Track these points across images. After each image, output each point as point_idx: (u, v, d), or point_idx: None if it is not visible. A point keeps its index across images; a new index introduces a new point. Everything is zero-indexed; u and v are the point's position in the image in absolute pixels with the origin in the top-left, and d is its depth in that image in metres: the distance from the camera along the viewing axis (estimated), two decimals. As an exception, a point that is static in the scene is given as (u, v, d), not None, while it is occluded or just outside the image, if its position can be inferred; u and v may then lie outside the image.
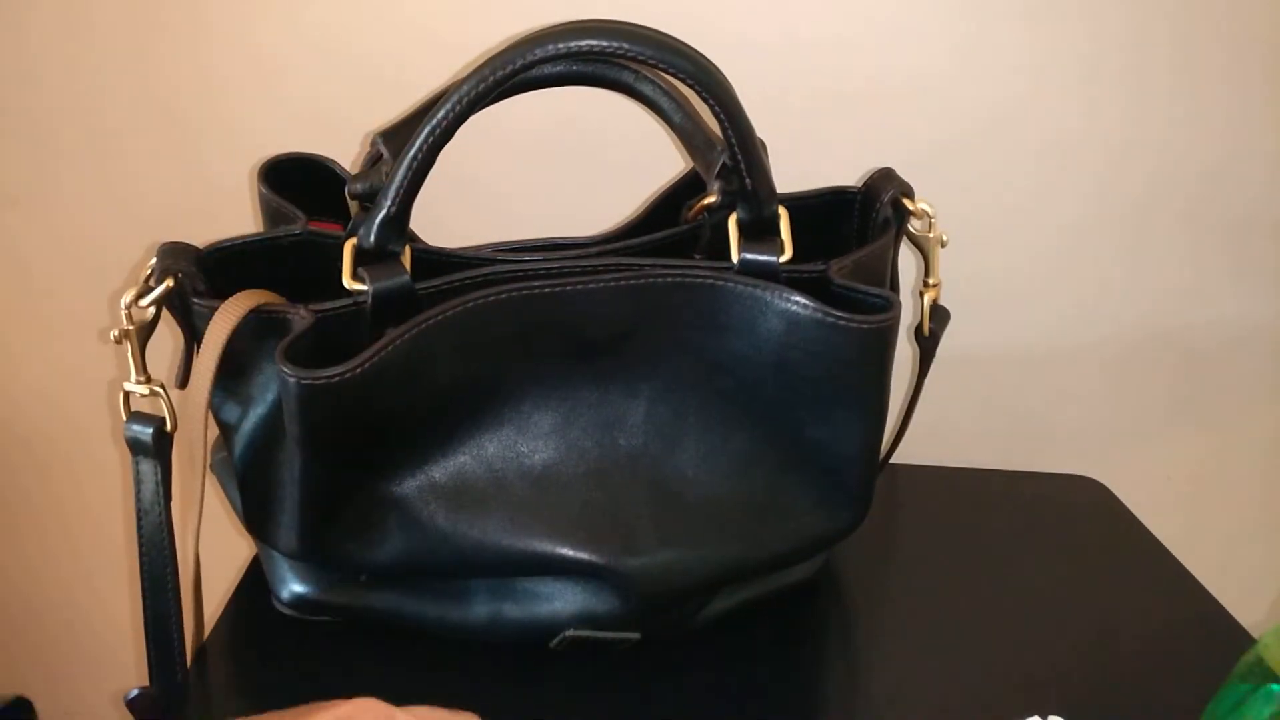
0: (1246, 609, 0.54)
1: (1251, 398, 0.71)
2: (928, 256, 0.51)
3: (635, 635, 0.46)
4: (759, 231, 0.43)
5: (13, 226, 0.69)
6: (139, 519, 0.41)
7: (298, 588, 0.46)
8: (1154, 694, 0.46)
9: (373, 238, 0.41)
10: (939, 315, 0.53)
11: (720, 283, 0.42)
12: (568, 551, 0.43)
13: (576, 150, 0.65)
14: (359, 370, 0.38)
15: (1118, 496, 0.65)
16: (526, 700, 0.45)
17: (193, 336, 0.42)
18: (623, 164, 0.64)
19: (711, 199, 0.48)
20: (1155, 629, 0.51)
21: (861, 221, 0.52)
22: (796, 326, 0.42)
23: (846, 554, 0.56)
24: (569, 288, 0.42)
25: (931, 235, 0.50)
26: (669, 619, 0.47)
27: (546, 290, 0.42)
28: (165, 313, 0.42)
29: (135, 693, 0.41)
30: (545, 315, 0.42)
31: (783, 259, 0.43)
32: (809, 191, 0.52)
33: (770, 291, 0.42)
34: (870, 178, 0.51)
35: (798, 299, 0.41)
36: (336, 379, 0.38)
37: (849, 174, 0.54)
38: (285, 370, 0.37)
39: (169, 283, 0.41)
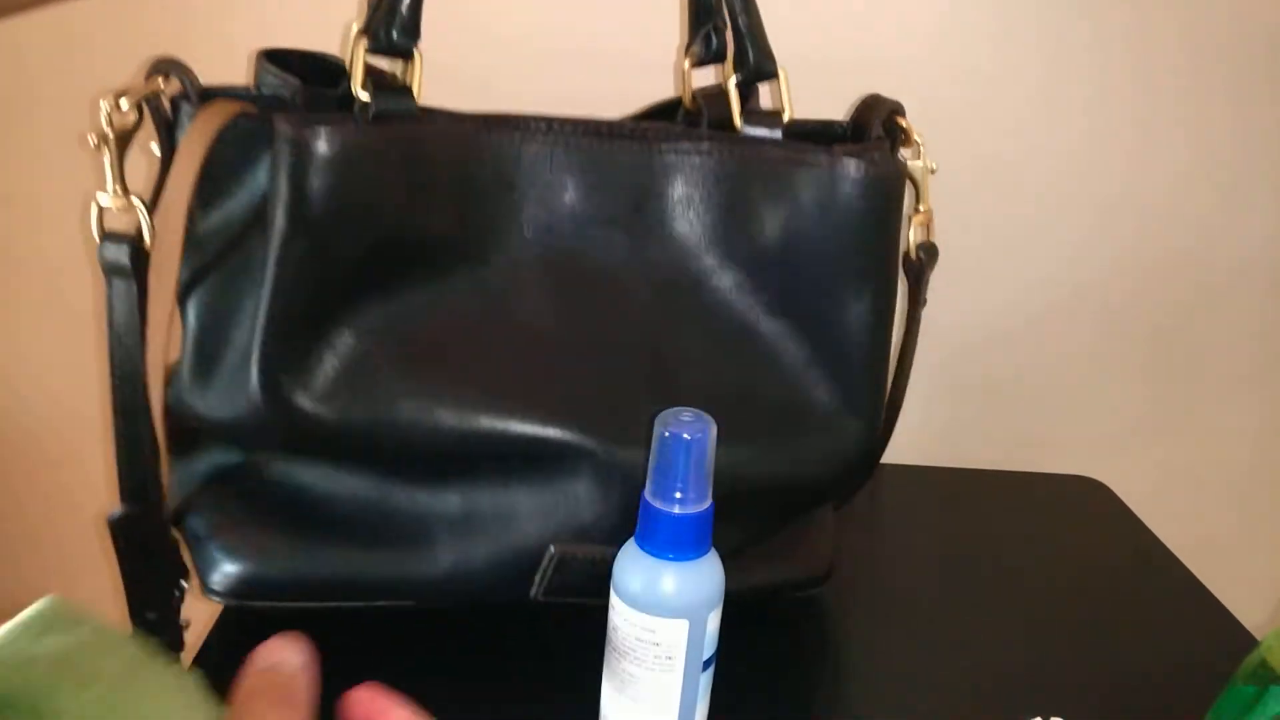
0: (1249, 610, 0.53)
1: (1253, 398, 0.71)
2: (917, 184, 0.49)
3: (611, 550, 0.40)
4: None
5: (8, 223, 0.69)
6: (111, 345, 0.38)
7: (230, 567, 0.41)
8: (1156, 695, 0.45)
9: (383, 29, 0.38)
10: (928, 249, 0.51)
11: (719, 148, 0.41)
12: (552, 432, 0.38)
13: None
14: (359, 138, 0.36)
15: (1119, 497, 0.65)
16: (516, 695, 0.44)
17: (171, 154, 0.38)
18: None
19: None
20: (1157, 630, 0.51)
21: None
22: (803, 184, 0.40)
23: (846, 554, 0.56)
24: (587, 143, 0.40)
25: (921, 163, 0.48)
26: None
27: (569, 138, 0.40)
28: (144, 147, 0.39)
29: (117, 513, 0.39)
30: (562, 166, 0.40)
31: (786, 119, 0.43)
32: (791, 123, 0.48)
33: (775, 149, 0.41)
34: (856, 107, 0.49)
35: (805, 151, 0.40)
36: (338, 145, 0.36)
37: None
38: (283, 128, 0.35)
39: (159, 80, 0.38)
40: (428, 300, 0.39)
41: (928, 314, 0.53)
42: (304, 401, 0.38)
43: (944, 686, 0.46)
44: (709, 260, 0.42)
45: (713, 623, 0.36)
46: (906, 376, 0.50)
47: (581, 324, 0.40)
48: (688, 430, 0.33)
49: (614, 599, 0.36)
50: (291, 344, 0.38)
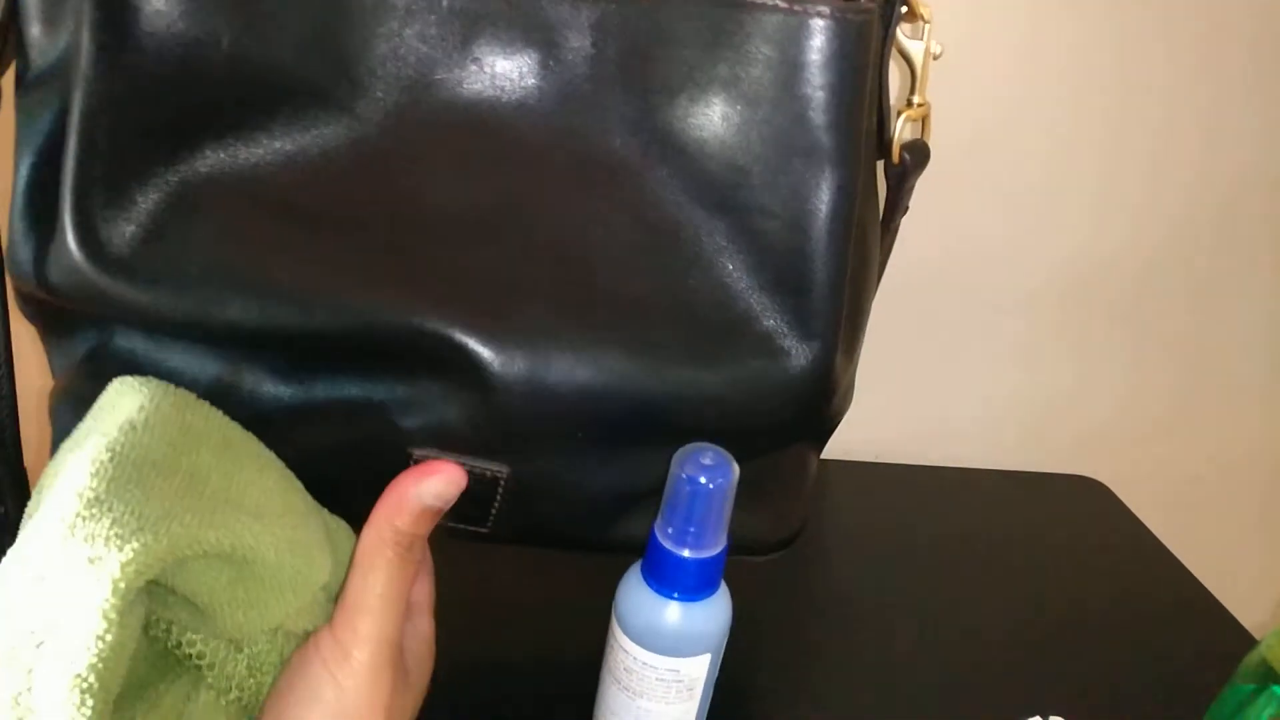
0: (1249, 610, 0.53)
1: (1253, 397, 0.71)
2: (915, 69, 0.41)
3: (502, 469, 0.35)
4: None
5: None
6: None
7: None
8: (1156, 695, 0.45)
9: None
10: (917, 148, 0.43)
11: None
12: (427, 326, 0.32)
13: None
14: None
15: (1119, 497, 0.65)
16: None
17: None
18: None
19: None
20: (1157, 630, 0.51)
21: None
22: (753, 39, 0.33)
23: (846, 554, 0.56)
24: None
25: (923, 44, 0.40)
26: (548, 471, 0.36)
27: None
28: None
29: None
30: (446, 13, 0.32)
31: None
32: None
33: None
34: None
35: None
36: None
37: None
38: None
39: None
40: (279, 153, 0.33)
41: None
42: (119, 250, 0.31)
43: (943, 686, 0.46)
44: (638, 136, 0.34)
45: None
46: (871, 296, 0.43)
47: (473, 199, 0.33)
48: (706, 475, 0.31)
49: (628, 644, 0.34)
50: (109, 189, 0.31)
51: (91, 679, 0.24)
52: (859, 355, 0.43)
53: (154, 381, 0.31)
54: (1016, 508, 0.63)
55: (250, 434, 0.32)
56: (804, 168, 0.34)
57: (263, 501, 0.30)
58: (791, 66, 0.34)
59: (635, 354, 0.33)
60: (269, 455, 0.32)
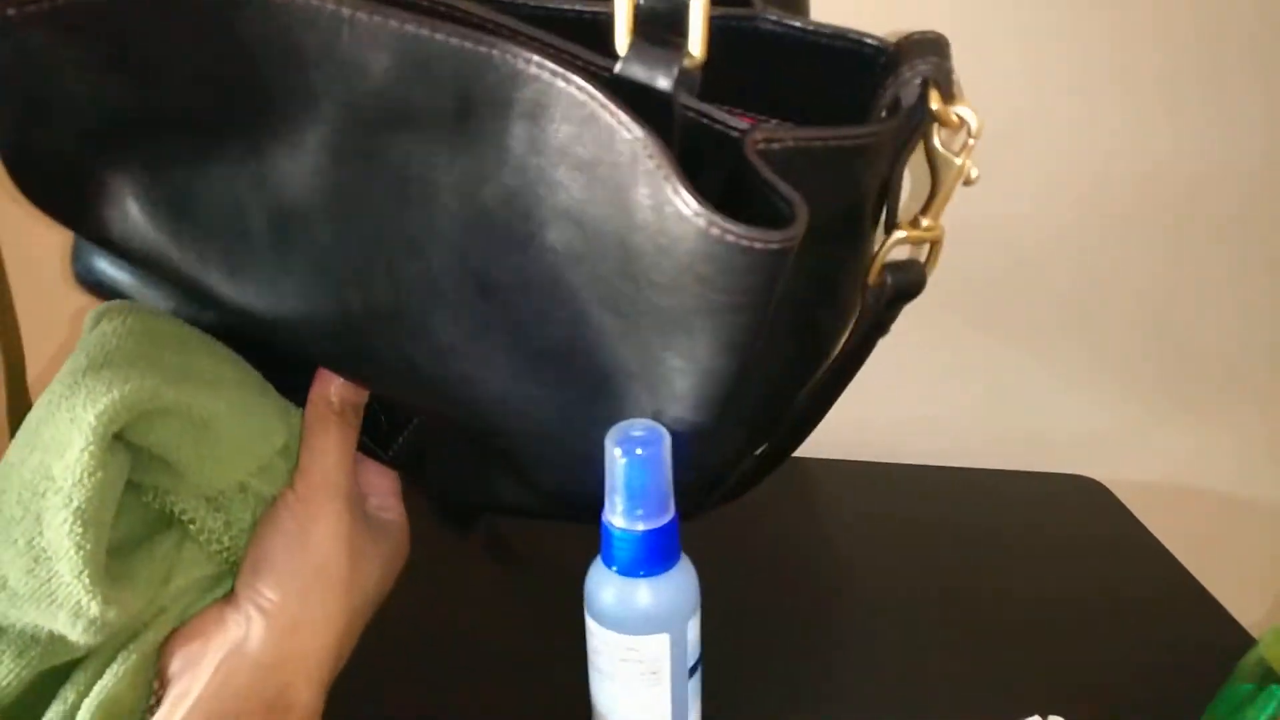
0: (1246, 609, 0.53)
1: (1251, 397, 0.71)
2: (938, 186, 0.35)
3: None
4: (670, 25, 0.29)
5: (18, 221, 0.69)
6: None
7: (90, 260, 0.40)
8: (1154, 694, 0.45)
9: None
10: (910, 273, 0.36)
11: (561, 84, 0.28)
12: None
13: None
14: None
15: (1117, 496, 0.65)
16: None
17: None
18: None
19: None
20: (1155, 629, 0.51)
21: (870, 95, 0.35)
22: (649, 204, 0.28)
23: (845, 554, 0.56)
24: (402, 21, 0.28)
25: (959, 160, 0.34)
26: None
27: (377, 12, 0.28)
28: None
29: None
30: (369, 41, 0.29)
31: (688, 63, 0.29)
32: (813, 28, 0.35)
33: (631, 129, 0.27)
34: (909, 38, 0.34)
35: (663, 170, 0.27)
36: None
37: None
38: None
39: None
40: (192, 164, 0.33)
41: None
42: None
43: (944, 686, 0.46)
44: (540, 212, 0.31)
45: (693, 630, 0.36)
46: (839, 387, 0.40)
47: (372, 224, 0.32)
48: (640, 445, 0.32)
49: (590, 623, 0.35)
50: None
51: (87, 510, 0.30)
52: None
53: (128, 303, 0.37)
54: (1015, 507, 0.63)
55: (210, 336, 0.38)
56: (687, 330, 0.30)
57: (219, 374, 0.36)
58: (689, 261, 0.28)
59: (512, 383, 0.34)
60: (226, 350, 0.38)
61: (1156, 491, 0.72)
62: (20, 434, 0.32)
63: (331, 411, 0.38)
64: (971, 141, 0.33)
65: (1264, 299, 0.68)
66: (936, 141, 0.34)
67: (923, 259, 0.37)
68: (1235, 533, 0.76)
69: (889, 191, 0.36)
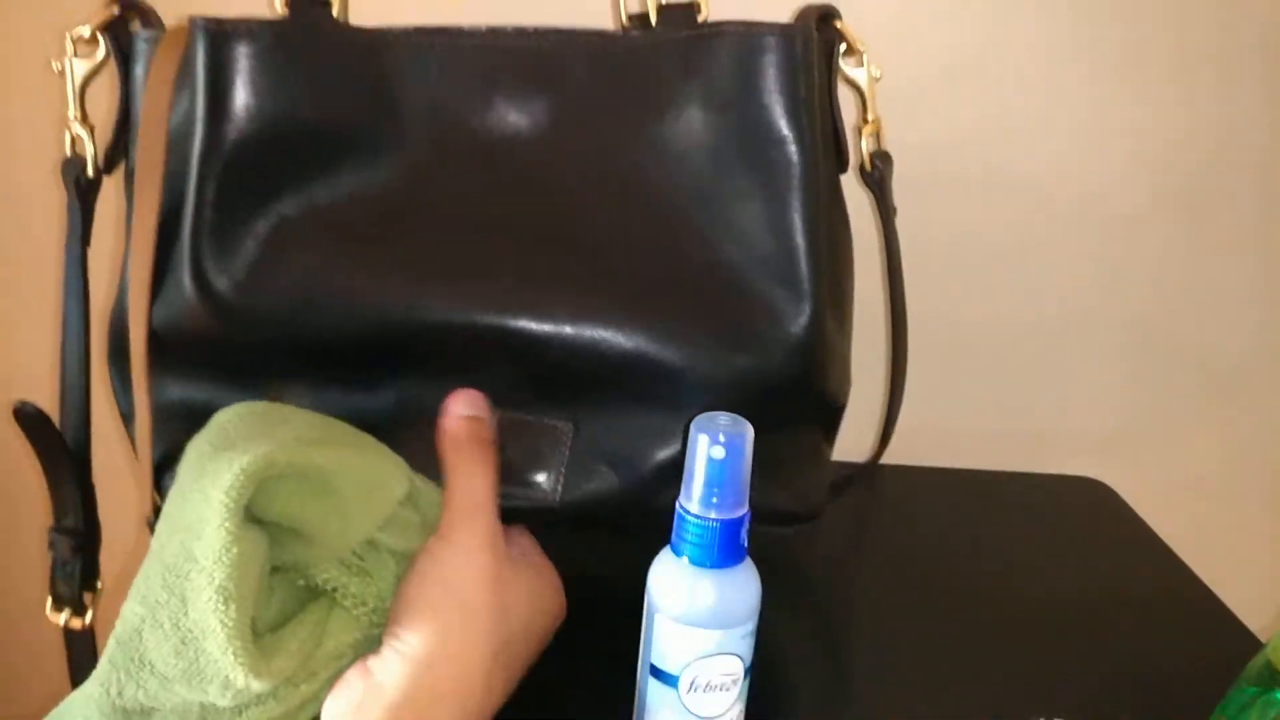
0: (1253, 612, 0.53)
1: (1257, 396, 0.71)
2: (863, 93, 0.49)
3: (567, 425, 0.42)
4: None
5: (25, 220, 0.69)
6: (65, 264, 0.43)
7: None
8: (1159, 697, 0.45)
9: None
10: (883, 157, 0.51)
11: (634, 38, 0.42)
12: (475, 320, 0.39)
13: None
14: (273, 36, 0.39)
15: (1122, 498, 0.65)
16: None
17: (128, 85, 0.42)
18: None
19: None
20: (1161, 632, 0.51)
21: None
22: (716, 54, 0.41)
23: (847, 554, 0.56)
24: (493, 39, 0.42)
25: (865, 71, 0.47)
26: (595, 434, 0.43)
27: (469, 38, 0.42)
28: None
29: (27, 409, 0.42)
30: (472, 61, 0.42)
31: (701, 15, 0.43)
32: (708, 26, 0.45)
33: (690, 36, 0.41)
34: (795, 18, 0.47)
35: (721, 27, 0.41)
36: (253, 43, 0.39)
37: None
38: (200, 24, 0.39)
39: (114, 9, 0.41)
40: (345, 193, 0.41)
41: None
42: (224, 285, 0.40)
43: (944, 686, 0.46)
44: (633, 148, 0.42)
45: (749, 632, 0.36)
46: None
47: (502, 213, 0.41)
48: (725, 435, 0.32)
49: (660, 619, 0.35)
50: (217, 235, 0.40)
51: (228, 586, 0.31)
52: (850, 331, 0.47)
53: (236, 404, 0.39)
54: (1020, 509, 0.63)
55: (314, 413, 0.40)
56: (770, 152, 0.41)
57: (329, 436, 0.38)
58: (750, 74, 0.41)
59: (653, 327, 0.39)
60: (333, 419, 0.40)
61: (1163, 494, 0.71)
62: (160, 523, 0.34)
63: (462, 439, 0.39)
64: (865, 55, 0.47)
65: (1266, 300, 0.68)
66: (847, 70, 0.47)
67: (878, 146, 0.51)
68: (1243, 536, 0.75)
69: (832, 103, 0.46)
